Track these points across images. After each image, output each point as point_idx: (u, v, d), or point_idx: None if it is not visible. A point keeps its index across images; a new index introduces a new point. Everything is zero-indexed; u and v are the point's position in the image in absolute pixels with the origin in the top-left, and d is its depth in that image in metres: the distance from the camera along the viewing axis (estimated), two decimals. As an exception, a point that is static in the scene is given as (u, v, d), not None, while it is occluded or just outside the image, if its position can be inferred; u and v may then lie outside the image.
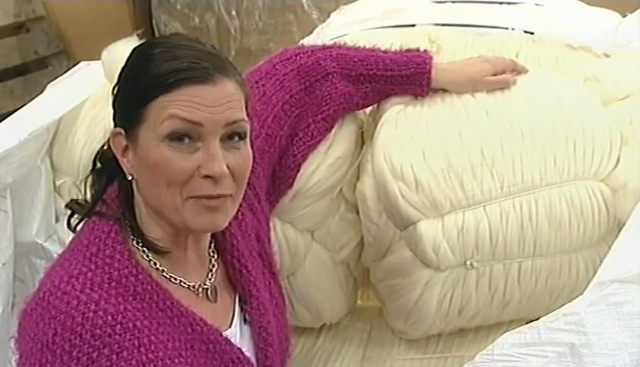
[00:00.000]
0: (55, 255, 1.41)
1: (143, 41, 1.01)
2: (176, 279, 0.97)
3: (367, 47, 1.34)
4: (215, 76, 0.91)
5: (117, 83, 0.97)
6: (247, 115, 0.95)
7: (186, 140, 0.90)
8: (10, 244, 1.39)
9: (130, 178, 0.95)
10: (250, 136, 0.97)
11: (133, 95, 0.93)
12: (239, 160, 0.93)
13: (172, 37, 0.98)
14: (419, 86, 1.30)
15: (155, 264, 0.96)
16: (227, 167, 0.91)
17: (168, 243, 0.97)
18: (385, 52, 1.32)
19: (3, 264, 1.37)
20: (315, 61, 1.28)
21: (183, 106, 0.89)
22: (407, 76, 1.29)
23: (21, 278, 1.48)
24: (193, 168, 0.90)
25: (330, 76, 1.28)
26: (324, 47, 1.33)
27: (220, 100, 0.91)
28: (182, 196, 0.91)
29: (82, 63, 1.66)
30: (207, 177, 0.90)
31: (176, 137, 0.90)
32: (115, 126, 0.96)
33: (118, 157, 0.95)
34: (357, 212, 1.37)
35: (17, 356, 0.89)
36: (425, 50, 1.32)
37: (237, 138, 0.93)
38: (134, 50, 0.97)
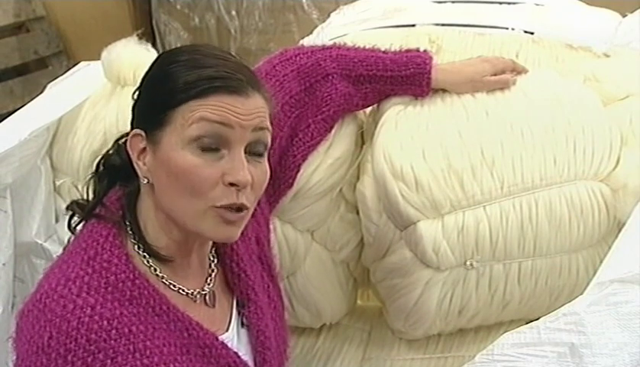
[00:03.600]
0: (55, 255, 1.41)
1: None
2: (174, 286, 0.97)
3: (367, 47, 1.34)
4: (248, 90, 0.92)
5: (139, 87, 0.97)
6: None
7: (211, 150, 0.90)
8: (10, 244, 1.39)
9: (145, 181, 0.95)
10: None
11: (159, 98, 0.92)
12: (259, 173, 0.94)
13: (199, 46, 0.98)
14: (419, 86, 1.30)
15: (155, 270, 0.96)
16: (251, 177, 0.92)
17: (172, 250, 0.97)
18: (385, 52, 1.32)
19: (3, 264, 1.36)
20: (315, 62, 1.28)
21: (215, 111, 0.89)
22: (407, 77, 1.29)
23: (21, 278, 1.48)
24: (218, 176, 0.90)
25: (330, 77, 1.28)
26: (324, 48, 1.32)
27: (250, 111, 0.91)
28: (205, 204, 0.91)
29: (82, 63, 1.65)
30: (231, 184, 0.90)
31: (201, 146, 0.89)
32: (132, 129, 0.96)
33: (134, 158, 0.95)
34: (357, 212, 1.37)
35: (14, 357, 0.89)
36: (424, 51, 1.32)
37: (258, 153, 0.94)
38: (159, 56, 0.97)
